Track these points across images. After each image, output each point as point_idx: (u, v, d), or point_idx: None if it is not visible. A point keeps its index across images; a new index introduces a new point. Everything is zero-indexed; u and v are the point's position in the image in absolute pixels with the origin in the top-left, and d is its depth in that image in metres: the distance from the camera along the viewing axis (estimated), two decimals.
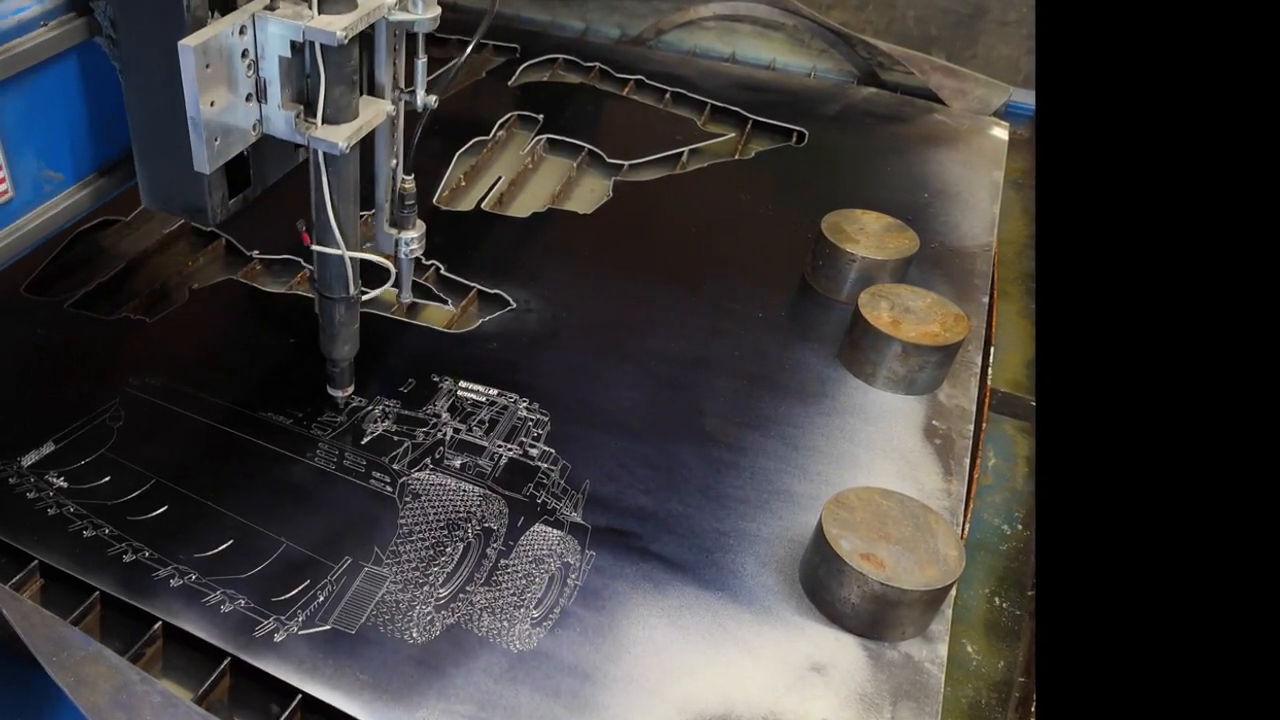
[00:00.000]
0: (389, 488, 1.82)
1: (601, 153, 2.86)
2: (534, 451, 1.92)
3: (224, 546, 1.68)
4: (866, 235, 2.34)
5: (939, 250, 2.48)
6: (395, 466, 1.86)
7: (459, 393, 2.03)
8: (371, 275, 1.79)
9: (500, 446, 1.92)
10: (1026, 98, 3.22)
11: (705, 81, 3.21)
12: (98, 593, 1.60)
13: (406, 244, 1.81)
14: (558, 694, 1.51)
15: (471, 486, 1.83)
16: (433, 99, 1.66)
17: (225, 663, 1.52)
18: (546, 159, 2.95)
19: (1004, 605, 1.73)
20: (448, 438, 1.93)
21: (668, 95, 3.17)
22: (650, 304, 2.31)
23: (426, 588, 1.65)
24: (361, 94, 1.58)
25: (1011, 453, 2.04)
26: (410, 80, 1.65)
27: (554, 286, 2.34)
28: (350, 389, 1.96)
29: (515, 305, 2.28)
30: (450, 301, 2.31)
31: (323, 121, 1.51)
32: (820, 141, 2.95)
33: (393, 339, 2.19)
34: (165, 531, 1.70)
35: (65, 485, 1.78)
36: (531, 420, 1.98)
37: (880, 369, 2.09)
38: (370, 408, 1.98)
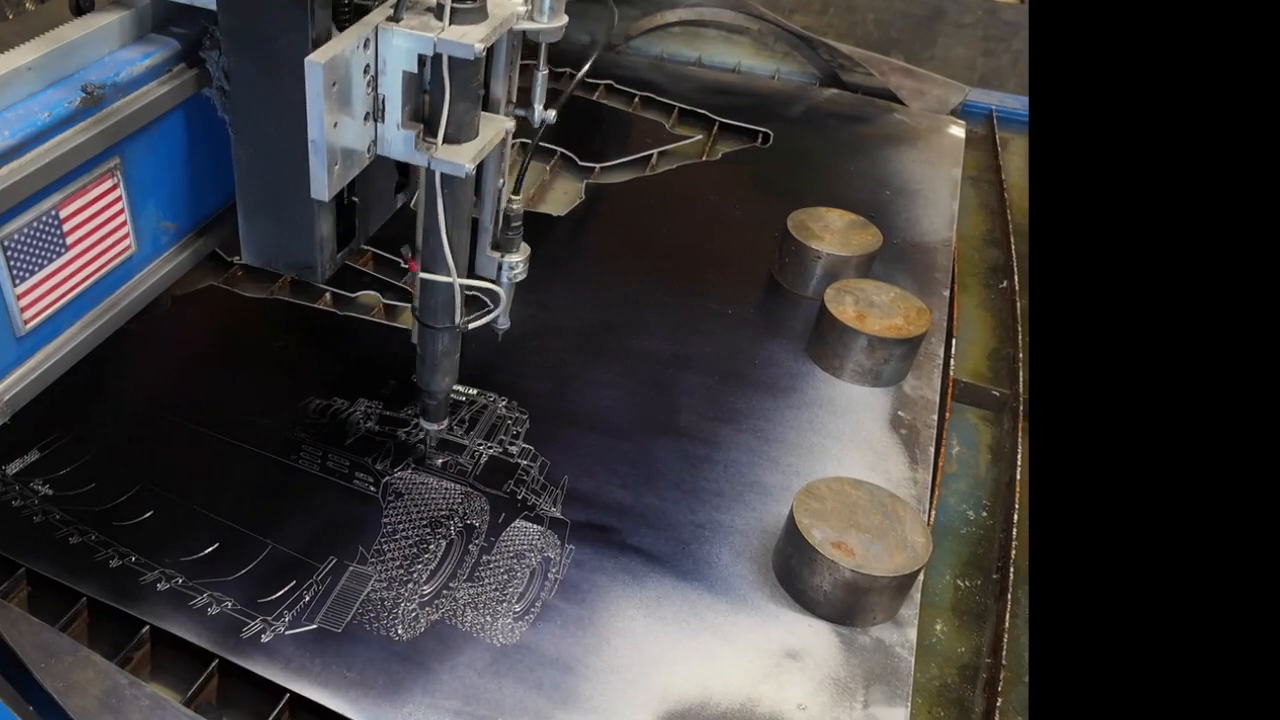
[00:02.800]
0: (372, 488, 1.80)
1: (574, 156, 2.84)
2: (514, 449, 1.90)
3: (210, 549, 1.65)
4: (831, 232, 2.33)
5: (901, 246, 2.48)
6: (378, 467, 1.84)
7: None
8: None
9: (481, 444, 1.90)
10: (982, 97, 3.22)
11: (673, 85, 3.19)
12: (85, 598, 1.57)
13: (510, 267, 1.65)
14: (541, 686, 1.50)
15: (453, 484, 1.81)
16: (551, 114, 1.51)
17: (213, 664, 1.49)
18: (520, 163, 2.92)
19: (970, 589, 1.73)
20: (429, 437, 1.90)
21: (637, 99, 3.15)
22: (623, 303, 2.29)
23: (411, 585, 1.62)
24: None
25: (975, 441, 2.04)
26: (527, 94, 1.52)
27: (530, 287, 2.30)
28: (446, 422, 1.82)
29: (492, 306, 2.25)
30: None
31: (444, 141, 1.36)
32: (785, 142, 2.94)
33: (373, 341, 2.17)
34: (151, 536, 1.67)
35: (50, 492, 1.75)
36: (511, 418, 1.96)
37: (847, 362, 2.09)
38: (352, 409, 1.96)
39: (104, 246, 1.47)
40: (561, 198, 2.73)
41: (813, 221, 2.36)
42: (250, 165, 1.43)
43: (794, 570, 1.64)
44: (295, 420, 1.92)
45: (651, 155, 2.85)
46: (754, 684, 1.52)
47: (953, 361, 2.18)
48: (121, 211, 1.47)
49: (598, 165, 2.81)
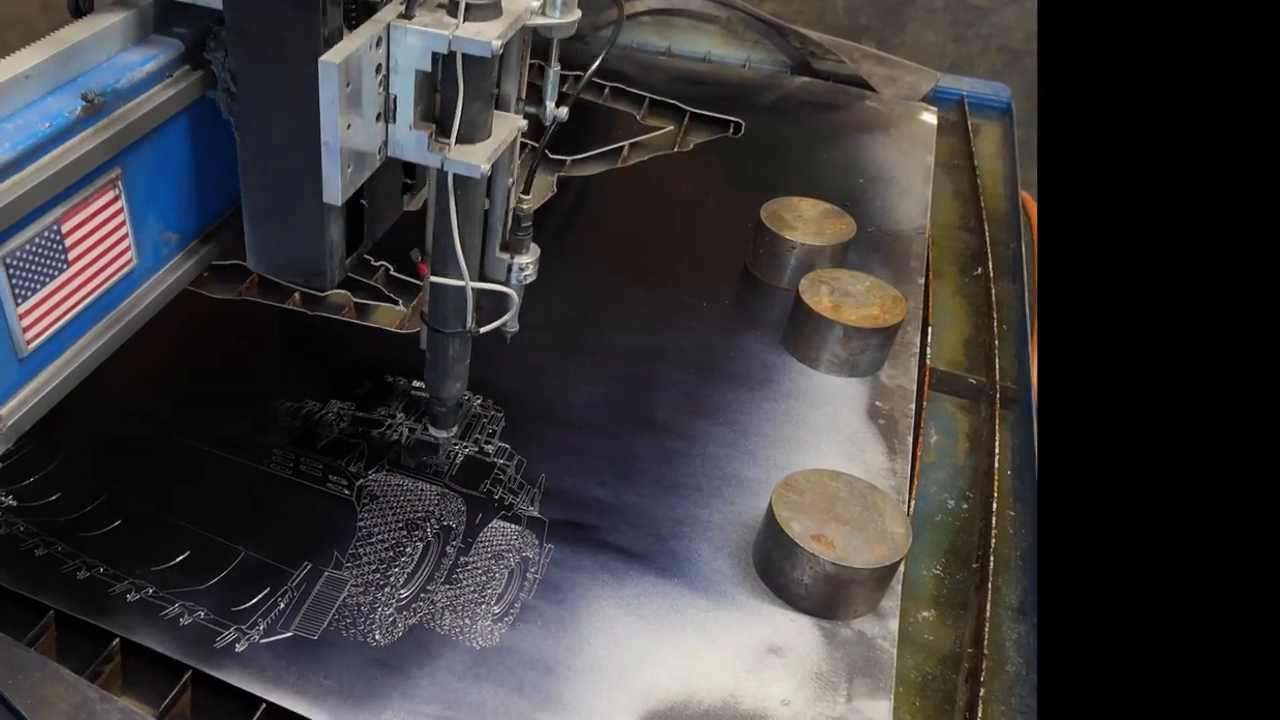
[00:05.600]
0: (346, 490, 1.77)
1: (545, 149, 2.80)
2: (490, 448, 1.87)
3: (180, 558, 1.62)
4: (805, 222, 2.32)
5: (876, 234, 2.47)
6: (352, 469, 1.81)
7: (413, 392, 1.98)
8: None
9: (456, 444, 1.87)
10: (953, 83, 3.21)
11: (643, 75, 3.16)
12: (52, 612, 1.53)
13: (520, 269, 1.61)
14: (521, 689, 1.48)
15: (429, 485, 1.78)
16: (563, 111, 1.49)
17: (186, 676, 1.46)
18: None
19: (951, 578, 1.73)
20: (404, 438, 1.88)
21: (607, 90, 3.12)
22: (599, 298, 2.27)
23: (388, 589, 1.60)
24: None
25: (952, 429, 2.03)
26: (537, 91, 1.48)
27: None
28: (455, 429, 1.79)
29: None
30: (401, 302, 2.25)
31: (457, 141, 1.33)
32: (757, 131, 2.92)
33: (345, 341, 2.14)
34: (119, 546, 1.64)
35: (14, 503, 1.70)
36: (486, 417, 1.94)
37: (823, 353, 2.07)
38: (324, 411, 1.92)
39: (106, 261, 1.41)
40: (533, 191, 2.69)
41: (786, 211, 2.34)
42: (257, 170, 1.39)
43: (774, 564, 1.63)
44: (266, 424, 1.89)
45: (623, 147, 2.83)
46: (737, 680, 1.51)
47: (929, 350, 2.18)
48: (123, 224, 1.42)
49: (569, 158, 2.78)
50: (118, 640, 1.50)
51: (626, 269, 2.36)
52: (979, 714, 1.47)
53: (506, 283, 1.63)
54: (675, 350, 2.12)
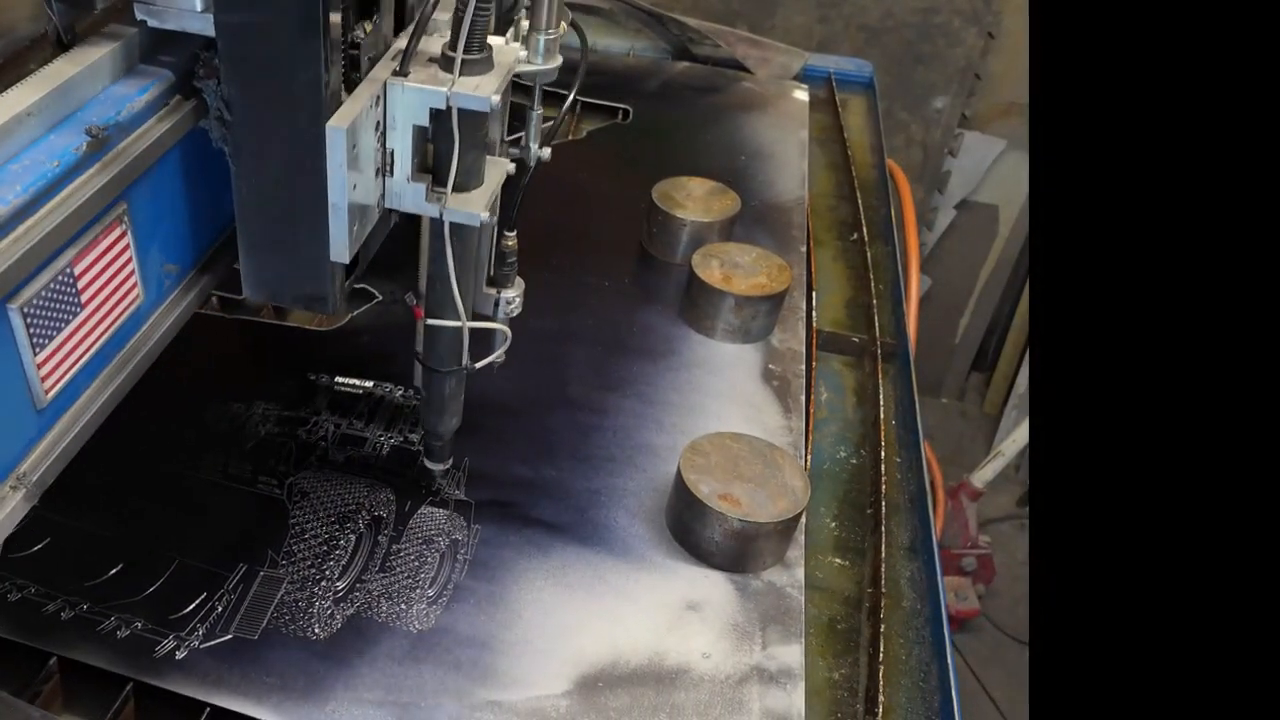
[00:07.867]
0: (277, 490, 1.67)
1: None
2: (414, 436, 1.79)
3: (114, 571, 1.51)
4: (694, 200, 2.27)
5: (759, 208, 2.44)
6: (281, 468, 1.70)
7: (336, 388, 1.88)
8: None
9: (381, 435, 1.79)
10: (820, 61, 3.19)
11: None
12: None
13: (507, 303, 1.55)
14: (459, 666, 1.42)
15: (357, 478, 1.70)
16: (546, 151, 1.42)
17: (128, 688, 1.36)
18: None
19: (849, 525, 1.72)
20: (330, 433, 1.78)
21: None
22: None
23: (324, 583, 1.52)
24: None
25: (840, 386, 2.02)
26: (521, 132, 1.41)
27: (416, 276, 2.19)
28: (450, 462, 1.68)
29: (381, 298, 2.12)
30: None
31: (454, 190, 1.25)
32: (644, 116, 2.85)
33: (265, 342, 2.01)
34: (49, 564, 1.51)
35: None
36: (408, 407, 1.85)
37: (718, 322, 2.04)
38: (249, 413, 1.81)
39: (116, 299, 1.27)
40: None
41: (676, 191, 2.29)
42: (252, 197, 1.27)
43: (686, 525, 1.60)
44: (192, 429, 1.77)
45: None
46: (659, 638, 1.47)
47: (815, 313, 2.16)
48: (130, 259, 1.28)
49: None
50: (55, 659, 1.38)
51: (532, 255, 2.26)
52: (880, 647, 1.47)
53: (494, 317, 1.55)
54: (582, 329, 2.06)
